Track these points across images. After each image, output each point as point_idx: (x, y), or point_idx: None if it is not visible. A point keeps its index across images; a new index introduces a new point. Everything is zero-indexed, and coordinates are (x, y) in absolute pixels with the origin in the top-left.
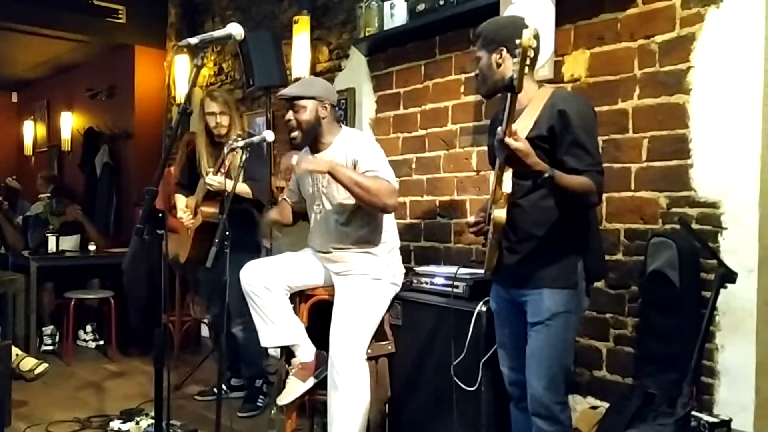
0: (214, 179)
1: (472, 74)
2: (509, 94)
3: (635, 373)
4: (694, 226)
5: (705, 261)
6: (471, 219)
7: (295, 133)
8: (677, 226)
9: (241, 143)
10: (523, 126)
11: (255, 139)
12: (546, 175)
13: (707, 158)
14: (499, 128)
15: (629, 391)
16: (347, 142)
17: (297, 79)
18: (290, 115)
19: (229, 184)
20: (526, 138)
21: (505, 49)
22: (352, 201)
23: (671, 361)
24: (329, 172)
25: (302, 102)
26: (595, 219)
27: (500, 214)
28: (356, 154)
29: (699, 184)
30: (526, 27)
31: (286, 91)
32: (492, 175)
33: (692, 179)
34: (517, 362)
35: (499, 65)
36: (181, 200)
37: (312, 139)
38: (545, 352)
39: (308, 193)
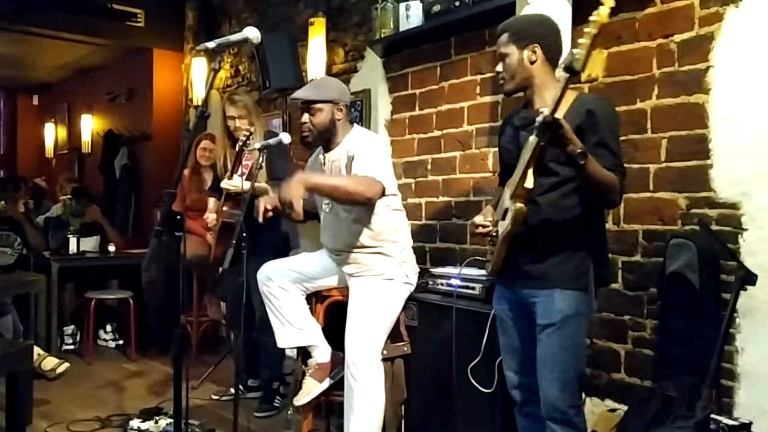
0: (229, 183)
1: (488, 75)
2: (566, 77)
3: (654, 376)
4: (714, 227)
5: (725, 263)
6: (478, 219)
7: (306, 133)
8: (696, 227)
9: (257, 145)
10: None
11: (272, 141)
12: (579, 150)
13: (727, 159)
14: (545, 111)
15: (648, 393)
16: (352, 141)
17: (312, 81)
18: (305, 117)
19: (247, 186)
20: None
21: (538, 47)
22: None
23: (690, 364)
24: (309, 190)
25: (318, 105)
26: (604, 225)
27: (522, 206)
28: (353, 151)
29: (719, 185)
30: (557, 26)
31: (301, 94)
32: (517, 170)
33: (712, 180)
34: (522, 365)
35: (532, 62)
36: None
37: (326, 140)
38: (558, 355)
39: None
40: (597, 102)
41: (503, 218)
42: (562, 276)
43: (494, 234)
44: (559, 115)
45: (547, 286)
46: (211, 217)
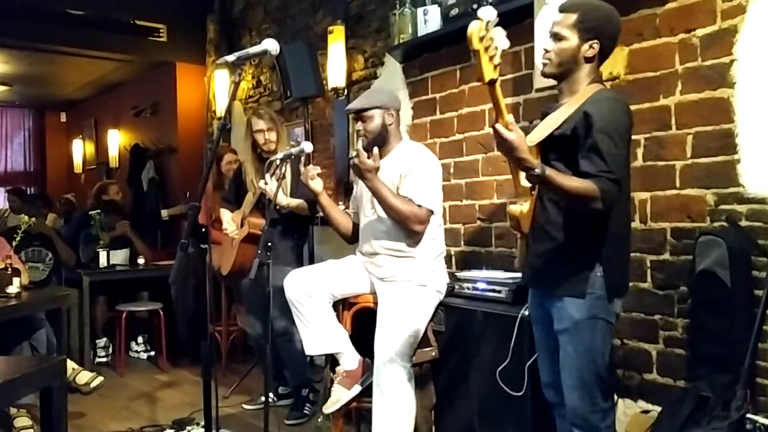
0: (267, 187)
1: (508, 76)
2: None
3: (687, 376)
4: (744, 223)
5: (756, 259)
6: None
7: (362, 140)
8: (726, 224)
9: (279, 155)
10: (552, 122)
11: (293, 150)
12: (535, 171)
13: (755, 153)
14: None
15: (682, 394)
16: (403, 154)
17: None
18: (359, 125)
19: (281, 198)
20: (551, 134)
21: (598, 44)
22: None
23: (725, 363)
24: (367, 184)
25: (369, 112)
26: (626, 228)
27: (514, 207)
28: (405, 170)
29: (747, 180)
30: (620, 26)
31: (354, 105)
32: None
33: (740, 175)
34: (551, 365)
35: (588, 59)
36: (225, 214)
37: (380, 144)
38: (574, 361)
39: (363, 197)
40: (599, 103)
41: None
42: (564, 283)
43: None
44: (564, 115)
45: (554, 292)
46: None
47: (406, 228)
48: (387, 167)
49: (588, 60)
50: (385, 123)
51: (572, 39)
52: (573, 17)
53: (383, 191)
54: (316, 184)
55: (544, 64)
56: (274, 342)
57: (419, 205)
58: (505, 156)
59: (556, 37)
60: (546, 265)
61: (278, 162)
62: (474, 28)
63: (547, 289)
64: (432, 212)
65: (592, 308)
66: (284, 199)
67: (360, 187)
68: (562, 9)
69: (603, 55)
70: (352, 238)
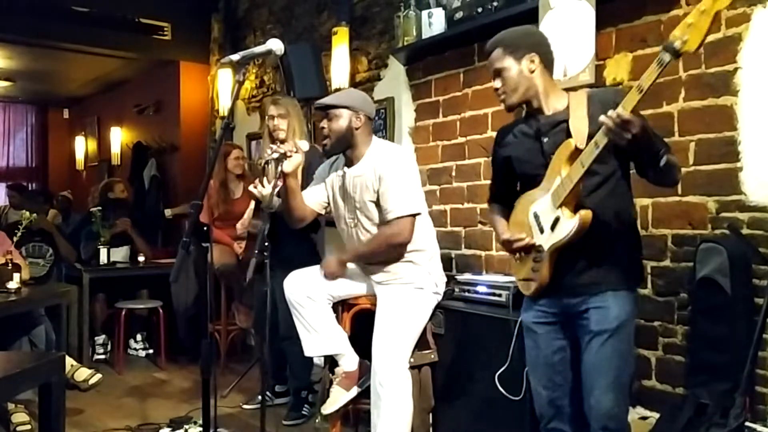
0: (255, 189)
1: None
2: (666, 60)
3: (686, 383)
4: (745, 231)
5: (756, 267)
6: (509, 235)
7: (324, 141)
8: (727, 231)
9: (275, 155)
10: (581, 127)
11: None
12: (664, 153)
13: (758, 161)
14: (615, 110)
15: (680, 401)
16: (377, 157)
17: (336, 90)
18: (324, 123)
19: (277, 199)
20: (588, 135)
21: (536, 55)
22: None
23: (724, 370)
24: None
25: (336, 111)
26: None
27: (590, 211)
28: (380, 171)
29: (749, 188)
30: (545, 35)
31: (322, 100)
32: (564, 173)
33: (742, 183)
34: (553, 380)
35: (531, 71)
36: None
37: (344, 148)
38: (614, 362)
39: (340, 206)
40: (618, 93)
41: (551, 229)
42: (615, 277)
43: (538, 249)
44: (582, 120)
45: (599, 290)
46: (239, 224)
47: (395, 248)
48: (363, 172)
49: (533, 71)
50: (351, 125)
51: (511, 66)
52: (499, 50)
53: (359, 258)
54: (287, 165)
55: (504, 100)
56: (278, 342)
57: (398, 218)
58: (635, 145)
59: (498, 73)
60: (596, 267)
61: (273, 162)
62: None
63: (596, 290)
64: (413, 215)
65: (633, 305)
66: (276, 201)
67: (336, 198)
68: (487, 53)
69: (549, 63)
70: (302, 223)
